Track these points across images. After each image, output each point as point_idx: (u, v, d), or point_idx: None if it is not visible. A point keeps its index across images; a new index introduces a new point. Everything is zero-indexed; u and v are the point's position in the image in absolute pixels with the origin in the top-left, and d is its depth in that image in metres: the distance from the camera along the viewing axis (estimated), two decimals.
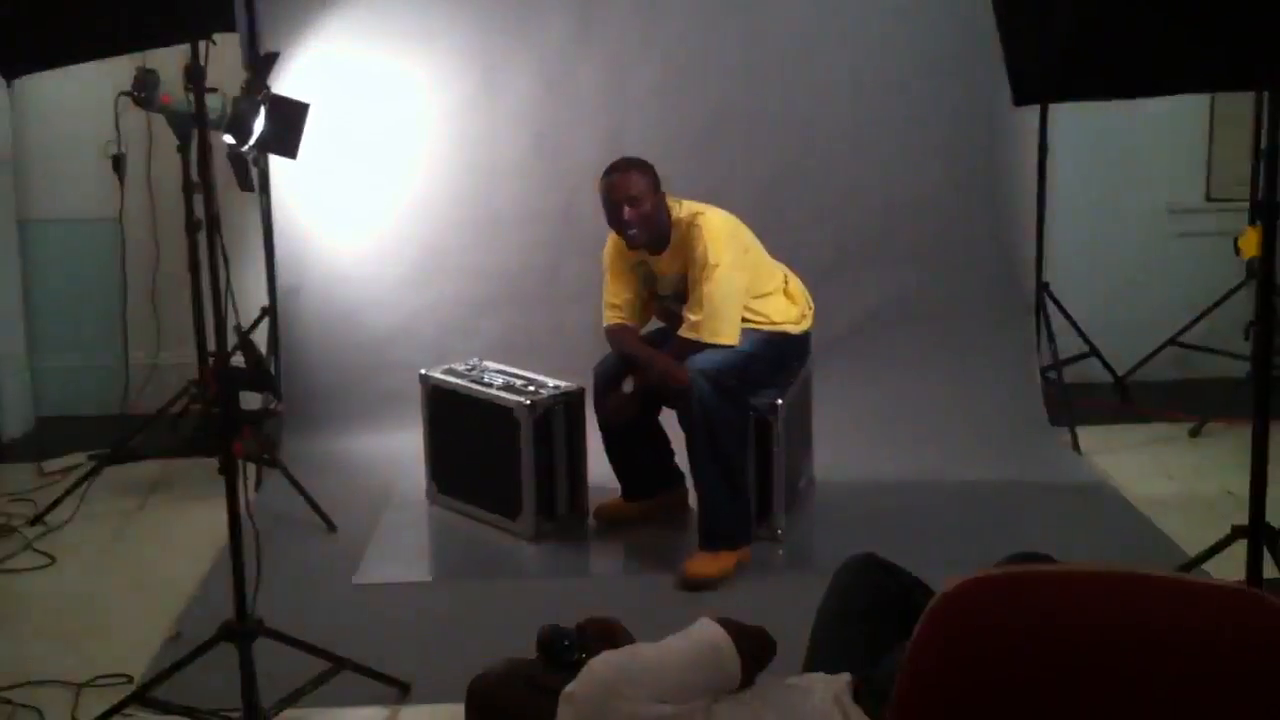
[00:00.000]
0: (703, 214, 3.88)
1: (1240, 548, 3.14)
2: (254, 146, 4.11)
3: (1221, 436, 4.91)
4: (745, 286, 3.90)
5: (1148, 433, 5.02)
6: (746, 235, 3.97)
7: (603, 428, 4.13)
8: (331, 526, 4.22)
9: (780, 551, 4.01)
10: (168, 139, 4.02)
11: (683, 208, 3.93)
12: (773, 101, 5.11)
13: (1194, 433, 4.96)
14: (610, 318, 4.10)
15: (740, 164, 5.08)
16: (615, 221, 3.91)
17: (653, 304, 4.15)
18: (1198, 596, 1.55)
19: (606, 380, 4.07)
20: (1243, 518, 3.12)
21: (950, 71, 5.05)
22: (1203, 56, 2.42)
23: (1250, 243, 4.94)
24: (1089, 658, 1.52)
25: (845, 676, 2.23)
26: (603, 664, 2.16)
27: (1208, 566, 3.41)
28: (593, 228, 4.65)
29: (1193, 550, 3.65)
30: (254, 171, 4.56)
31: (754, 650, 2.23)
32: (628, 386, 3.97)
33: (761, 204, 4.70)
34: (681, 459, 4.06)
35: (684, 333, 3.87)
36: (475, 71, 5.05)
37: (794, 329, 4.06)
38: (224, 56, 3.71)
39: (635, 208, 3.84)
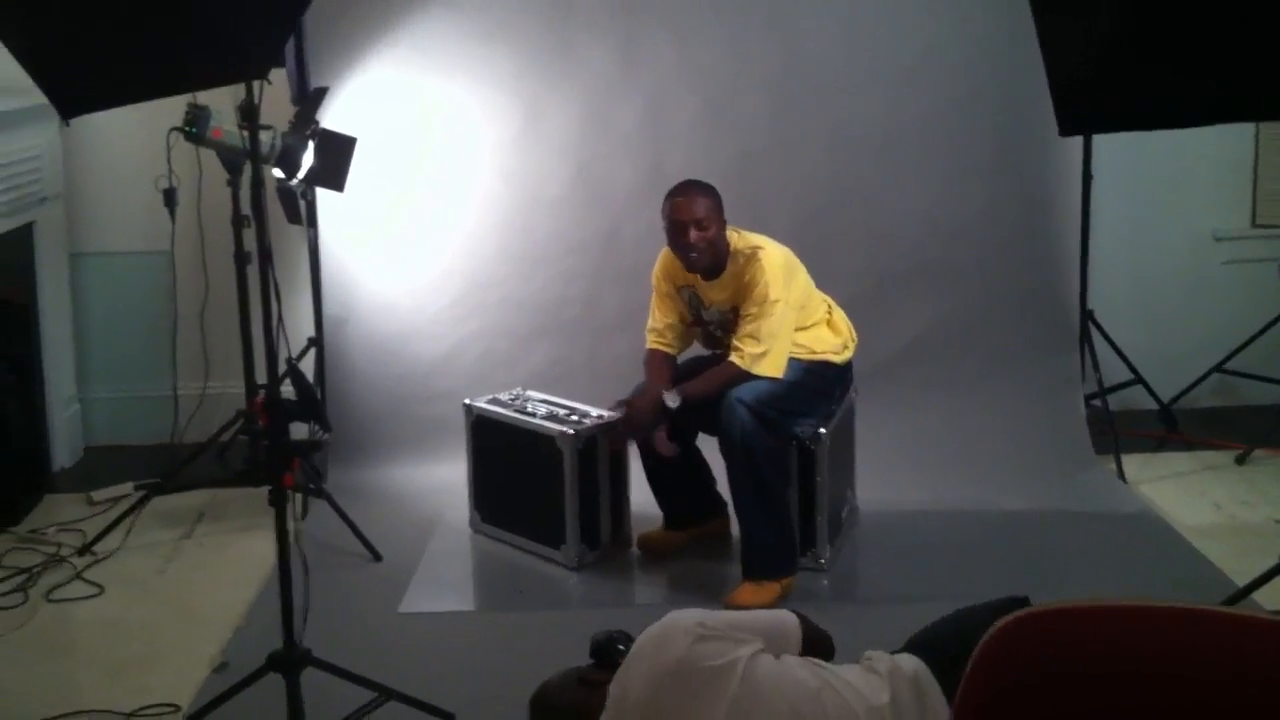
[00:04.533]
0: (763, 248, 3.89)
1: None
2: (302, 180, 4.17)
3: (1268, 464, 4.86)
4: (794, 323, 3.91)
5: (1194, 461, 4.98)
6: (801, 271, 3.98)
7: (643, 448, 4.12)
8: (377, 556, 4.24)
9: (824, 581, 4.00)
10: (217, 173, 4.09)
11: (742, 239, 3.94)
12: (811, 131, 5.11)
13: (1240, 460, 4.91)
14: (650, 341, 4.12)
15: (780, 193, 5.08)
16: (678, 243, 3.90)
17: (696, 329, 4.16)
18: (1247, 631, 1.55)
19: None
20: None
21: (991, 98, 5.05)
22: (1249, 87, 2.41)
23: None
24: (1139, 694, 1.52)
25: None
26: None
27: (1256, 596, 3.38)
28: (634, 258, 4.68)
29: (1241, 580, 3.62)
30: (302, 205, 4.62)
31: (817, 637, 2.52)
32: (672, 401, 3.91)
33: (801, 232, 4.68)
34: (723, 487, 4.06)
35: (736, 361, 3.86)
36: (520, 106, 5.09)
37: (836, 359, 4.05)
38: (273, 91, 3.75)
39: (702, 231, 3.85)
